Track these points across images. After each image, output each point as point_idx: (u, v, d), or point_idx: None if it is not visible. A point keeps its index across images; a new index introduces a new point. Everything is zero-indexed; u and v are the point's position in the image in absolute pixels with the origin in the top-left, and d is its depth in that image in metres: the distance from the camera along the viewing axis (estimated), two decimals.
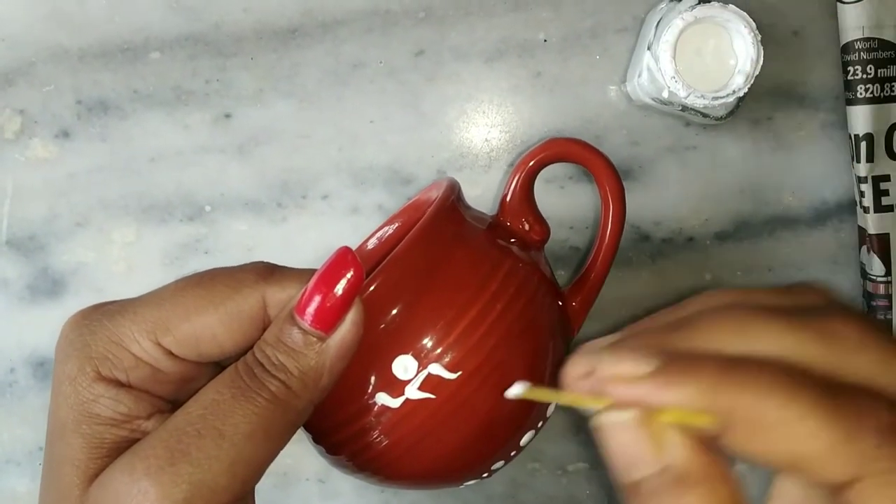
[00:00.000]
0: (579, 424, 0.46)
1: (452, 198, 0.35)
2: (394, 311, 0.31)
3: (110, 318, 0.27)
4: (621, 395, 0.22)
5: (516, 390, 0.26)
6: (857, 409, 0.21)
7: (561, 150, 0.38)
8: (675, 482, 0.22)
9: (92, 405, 0.27)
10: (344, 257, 0.27)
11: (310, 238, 0.45)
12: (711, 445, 0.22)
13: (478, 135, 0.44)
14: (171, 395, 0.29)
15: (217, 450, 0.25)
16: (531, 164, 0.38)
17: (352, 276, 0.27)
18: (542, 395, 0.25)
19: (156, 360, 0.27)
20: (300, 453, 0.45)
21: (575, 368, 0.24)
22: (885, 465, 0.20)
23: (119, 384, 0.27)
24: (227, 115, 0.44)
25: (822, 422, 0.20)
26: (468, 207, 0.37)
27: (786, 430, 0.21)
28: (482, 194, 0.44)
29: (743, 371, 0.21)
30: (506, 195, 0.38)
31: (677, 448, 0.22)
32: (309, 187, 0.44)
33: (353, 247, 0.41)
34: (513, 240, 0.37)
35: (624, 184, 0.41)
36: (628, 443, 0.22)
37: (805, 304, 0.24)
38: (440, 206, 0.34)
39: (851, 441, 0.20)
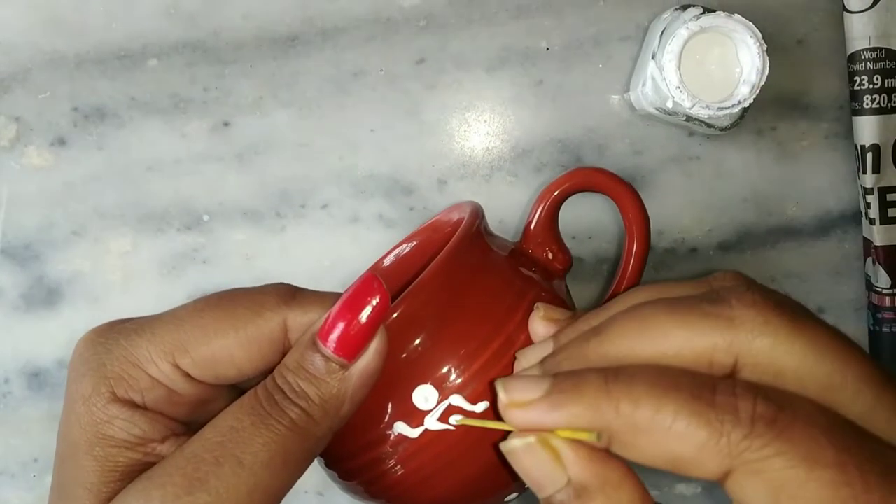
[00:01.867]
0: None
1: (477, 224, 0.34)
2: (416, 340, 0.30)
3: (127, 338, 0.27)
4: (518, 421, 0.24)
5: (456, 419, 0.30)
6: (728, 404, 0.22)
7: (586, 179, 0.38)
8: (576, 496, 0.24)
9: (106, 427, 0.26)
10: (370, 284, 0.26)
11: (309, 248, 0.44)
12: (609, 453, 0.24)
13: (479, 144, 0.44)
14: (185, 417, 0.28)
15: (235, 478, 0.25)
16: (556, 193, 0.38)
17: (377, 303, 0.26)
18: (471, 422, 0.30)
19: (172, 381, 0.27)
20: None
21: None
22: (750, 456, 0.22)
23: (134, 406, 0.27)
24: (226, 124, 0.43)
25: (690, 423, 0.22)
26: (491, 234, 0.36)
27: (659, 435, 0.22)
28: (484, 204, 0.43)
29: (621, 382, 0.23)
30: (530, 223, 0.38)
31: (573, 463, 0.24)
32: (308, 196, 0.44)
33: (355, 254, 0.41)
34: (534, 268, 0.36)
35: None
36: (533, 464, 0.24)
37: (717, 289, 0.25)
38: (465, 233, 0.33)
39: (718, 438, 0.22)
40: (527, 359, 0.30)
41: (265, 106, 0.43)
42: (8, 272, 0.44)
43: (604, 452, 0.24)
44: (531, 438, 0.24)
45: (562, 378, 0.25)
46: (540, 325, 0.30)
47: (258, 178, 0.44)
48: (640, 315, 0.25)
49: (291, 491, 0.46)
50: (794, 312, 0.24)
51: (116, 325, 0.28)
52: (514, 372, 0.30)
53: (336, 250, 0.44)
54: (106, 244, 0.44)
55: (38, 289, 0.44)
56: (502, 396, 0.25)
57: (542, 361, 0.28)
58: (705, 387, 0.23)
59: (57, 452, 0.27)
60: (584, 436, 0.24)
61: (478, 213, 0.35)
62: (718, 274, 0.27)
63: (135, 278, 0.44)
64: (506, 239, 0.38)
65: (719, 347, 0.24)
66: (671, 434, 0.22)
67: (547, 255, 0.38)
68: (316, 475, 0.45)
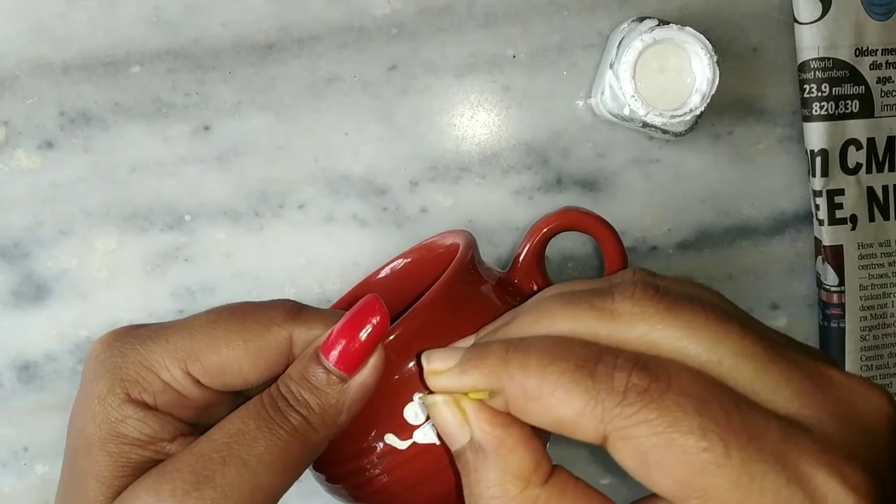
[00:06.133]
0: (560, 438, 0.47)
1: (471, 256, 0.37)
2: (411, 362, 0.33)
3: (142, 343, 0.29)
4: (434, 384, 0.29)
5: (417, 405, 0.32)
6: (606, 374, 0.25)
7: (573, 220, 0.40)
8: (474, 453, 0.27)
9: (120, 425, 0.28)
10: (372, 305, 0.29)
11: (286, 246, 0.46)
12: (515, 418, 0.27)
13: (449, 147, 0.46)
14: (193, 419, 0.30)
15: (239, 478, 0.27)
16: (545, 230, 0.39)
17: (377, 322, 0.29)
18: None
19: (183, 386, 0.29)
20: None
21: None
22: (621, 423, 0.24)
23: (147, 407, 0.29)
24: (207, 127, 0.45)
25: (571, 391, 0.25)
26: (482, 263, 0.38)
27: (545, 400, 0.25)
28: (453, 205, 0.46)
29: (518, 351, 0.27)
30: (518, 256, 0.40)
31: (475, 423, 0.27)
32: (286, 197, 0.46)
33: (330, 253, 0.43)
34: (519, 298, 0.38)
35: (590, 195, 0.43)
36: (444, 420, 0.28)
37: (611, 285, 0.28)
38: (460, 264, 0.35)
39: (594, 405, 0.25)
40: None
41: (244, 110, 0.45)
42: None
43: (508, 417, 0.27)
44: (445, 397, 0.28)
45: (472, 349, 0.28)
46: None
47: (237, 179, 0.46)
48: (538, 308, 0.29)
49: None
50: (672, 300, 0.26)
51: (132, 331, 0.30)
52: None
53: (312, 249, 0.46)
54: (92, 243, 0.46)
55: (27, 285, 0.46)
56: (424, 364, 0.29)
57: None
58: (590, 358, 0.26)
59: (69, 446, 0.29)
60: (480, 395, 0.27)
61: (471, 245, 0.37)
62: (620, 272, 0.30)
63: (120, 275, 0.46)
64: (494, 268, 0.40)
65: (601, 336, 0.27)
66: (554, 400, 0.25)
67: (532, 287, 0.39)
68: None
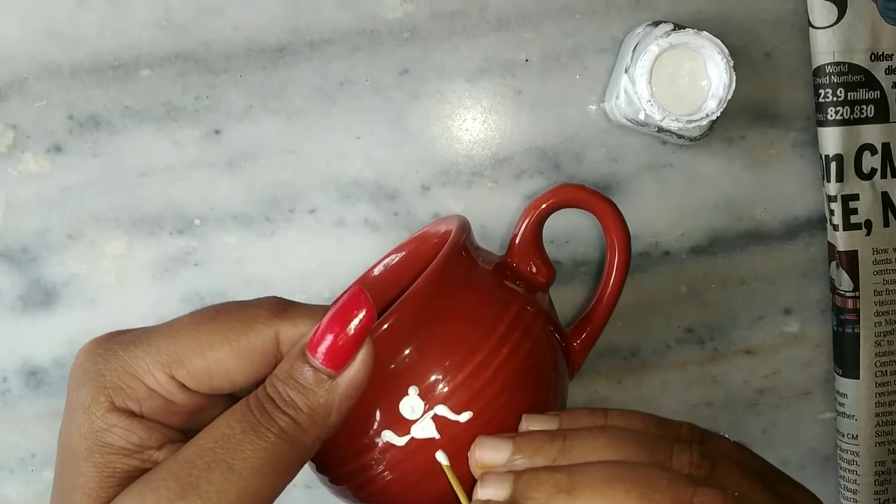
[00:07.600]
0: None
1: (463, 239, 0.35)
2: (404, 352, 0.32)
3: (125, 349, 0.28)
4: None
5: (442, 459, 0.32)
6: None
7: (570, 196, 0.39)
8: None
9: (105, 434, 0.27)
10: (357, 297, 0.28)
11: (297, 251, 0.46)
12: None
13: (461, 151, 0.46)
14: (181, 425, 0.29)
15: (226, 483, 0.26)
16: (542, 208, 0.38)
17: (364, 316, 0.27)
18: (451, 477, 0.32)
19: (169, 392, 0.28)
20: None
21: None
22: None
23: (132, 414, 0.28)
24: (217, 131, 0.45)
25: None
26: (477, 247, 0.37)
27: None
28: (465, 210, 0.45)
29: None
30: (515, 237, 0.39)
31: None
32: (296, 201, 0.45)
33: (341, 258, 0.42)
34: (518, 282, 0.37)
35: None
36: None
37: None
38: (451, 248, 0.34)
39: None
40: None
41: (254, 114, 0.45)
42: (6, 274, 0.46)
43: None
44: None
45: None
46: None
47: (248, 183, 0.45)
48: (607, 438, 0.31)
49: None
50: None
51: (115, 337, 0.29)
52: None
53: (323, 254, 0.46)
54: (101, 247, 0.46)
55: (35, 290, 0.46)
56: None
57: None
58: None
59: (57, 458, 0.28)
60: None
61: (464, 228, 0.36)
62: (682, 428, 0.32)
63: (129, 280, 0.46)
64: (492, 252, 0.39)
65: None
66: None
67: (531, 269, 0.38)
68: (304, 469, 0.47)
